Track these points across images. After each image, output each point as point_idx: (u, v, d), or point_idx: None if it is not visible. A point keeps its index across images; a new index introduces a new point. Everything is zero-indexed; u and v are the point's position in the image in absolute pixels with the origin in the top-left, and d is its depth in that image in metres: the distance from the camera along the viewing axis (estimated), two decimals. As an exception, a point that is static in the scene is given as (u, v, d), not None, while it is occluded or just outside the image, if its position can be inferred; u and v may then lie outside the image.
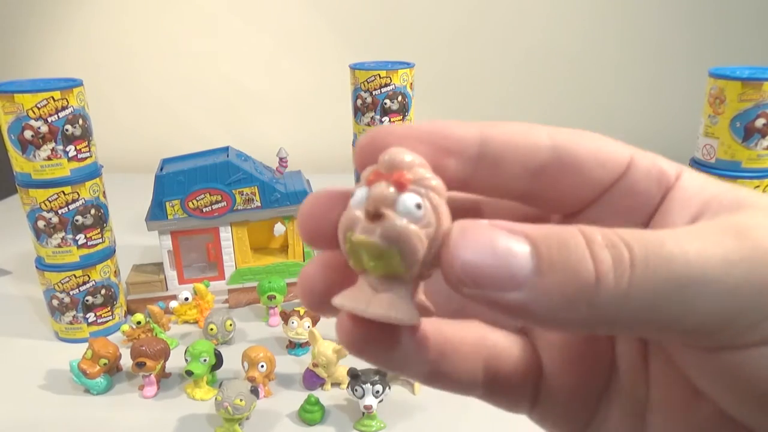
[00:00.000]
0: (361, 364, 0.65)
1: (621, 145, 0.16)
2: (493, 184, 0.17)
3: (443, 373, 0.17)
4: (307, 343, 0.73)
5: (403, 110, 0.88)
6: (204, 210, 0.82)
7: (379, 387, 0.60)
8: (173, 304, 0.80)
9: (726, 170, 0.76)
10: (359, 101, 0.88)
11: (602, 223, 0.16)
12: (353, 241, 0.15)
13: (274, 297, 0.79)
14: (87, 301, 0.78)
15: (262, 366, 0.66)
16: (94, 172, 0.76)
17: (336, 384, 0.69)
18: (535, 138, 0.16)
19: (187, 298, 0.80)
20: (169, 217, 0.82)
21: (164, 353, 0.67)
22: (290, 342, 0.75)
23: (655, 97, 1.44)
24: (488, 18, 1.42)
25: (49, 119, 0.70)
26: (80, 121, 0.73)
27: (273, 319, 0.81)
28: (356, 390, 0.61)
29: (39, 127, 0.70)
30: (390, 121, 0.89)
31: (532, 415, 0.19)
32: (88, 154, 0.75)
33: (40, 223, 0.74)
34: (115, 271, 0.81)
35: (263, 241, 0.93)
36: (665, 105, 1.43)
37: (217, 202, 0.82)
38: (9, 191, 1.25)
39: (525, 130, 0.16)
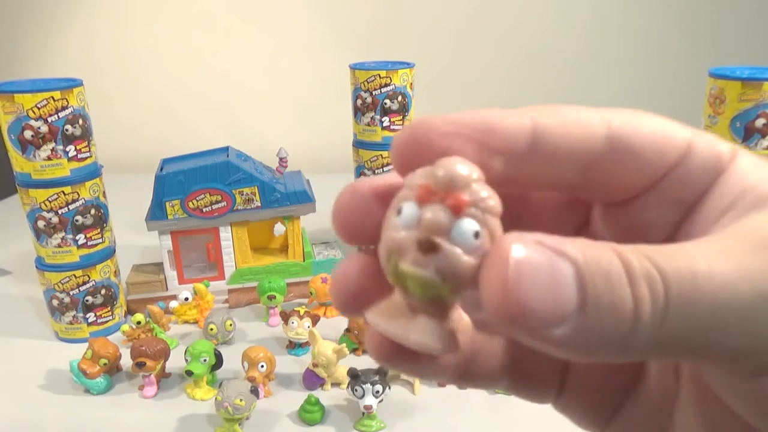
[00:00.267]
0: (361, 364, 0.65)
1: (679, 127, 0.15)
2: (541, 179, 0.15)
3: (472, 374, 0.17)
4: (307, 343, 0.73)
5: (403, 110, 0.88)
6: (204, 210, 0.82)
7: (379, 387, 0.60)
8: (173, 304, 0.80)
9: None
10: (359, 101, 0.88)
11: (649, 214, 0.16)
12: (401, 270, 0.13)
13: (274, 297, 0.79)
14: (87, 301, 0.78)
15: (262, 366, 0.66)
16: (94, 172, 0.76)
17: (336, 384, 0.68)
18: (590, 126, 0.15)
19: (187, 298, 0.80)
20: (169, 217, 0.82)
21: (164, 353, 0.67)
22: (290, 342, 0.75)
23: (655, 97, 1.44)
24: (489, 18, 1.42)
25: (49, 119, 0.70)
26: (80, 121, 0.73)
27: (273, 319, 0.81)
28: (356, 390, 0.61)
29: (39, 127, 0.70)
30: (390, 121, 0.89)
31: (556, 405, 0.18)
32: (88, 154, 0.75)
33: (40, 223, 0.74)
34: (115, 271, 0.81)
35: (263, 241, 0.93)
36: (665, 105, 1.42)
37: (217, 202, 0.82)
38: (9, 191, 1.25)
39: (580, 118, 0.15)
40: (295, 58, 1.45)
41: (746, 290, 0.12)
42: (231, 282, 0.86)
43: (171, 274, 0.85)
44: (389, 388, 0.62)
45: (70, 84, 0.72)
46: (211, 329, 0.74)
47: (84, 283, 0.77)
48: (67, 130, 0.72)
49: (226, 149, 0.87)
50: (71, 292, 0.77)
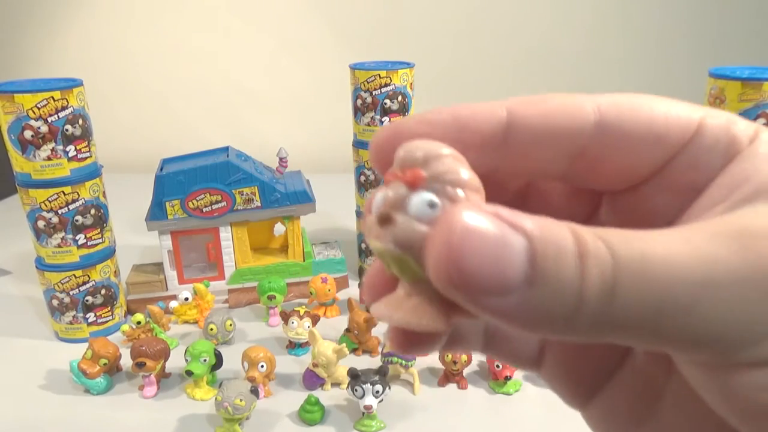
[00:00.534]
0: (361, 364, 0.65)
1: (690, 108, 0.15)
2: (525, 168, 0.15)
3: (454, 340, 0.17)
4: (307, 343, 0.73)
5: (403, 110, 0.88)
6: (204, 210, 0.82)
7: (379, 387, 0.60)
8: (173, 304, 0.80)
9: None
10: (359, 101, 0.88)
11: (656, 201, 0.15)
12: (372, 248, 0.14)
13: (274, 297, 0.79)
14: (87, 301, 0.78)
15: (262, 366, 0.66)
16: (94, 172, 0.76)
17: (336, 384, 0.68)
18: (576, 113, 0.14)
19: (187, 298, 0.80)
20: (169, 217, 0.82)
21: (164, 353, 0.67)
22: (290, 342, 0.75)
23: (655, 97, 1.44)
24: (489, 18, 1.42)
25: (49, 119, 0.70)
26: (80, 121, 0.73)
27: (273, 319, 0.81)
28: (356, 390, 0.61)
29: (39, 127, 0.70)
30: (390, 121, 0.89)
31: (541, 376, 0.19)
32: (88, 154, 0.75)
33: (40, 223, 0.74)
34: (115, 271, 0.81)
35: (263, 241, 0.93)
36: (665, 105, 1.43)
37: (217, 202, 0.82)
38: (9, 191, 1.25)
39: (565, 106, 0.14)
40: (295, 58, 1.45)
41: (697, 275, 0.12)
42: (231, 282, 0.86)
43: (171, 274, 0.85)
44: (389, 388, 0.62)
45: (70, 84, 0.72)
46: (211, 329, 0.74)
47: (84, 283, 0.77)
48: (67, 130, 0.72)
49: (226, 149, 0.87)
50: (71, 292, 0.77)
